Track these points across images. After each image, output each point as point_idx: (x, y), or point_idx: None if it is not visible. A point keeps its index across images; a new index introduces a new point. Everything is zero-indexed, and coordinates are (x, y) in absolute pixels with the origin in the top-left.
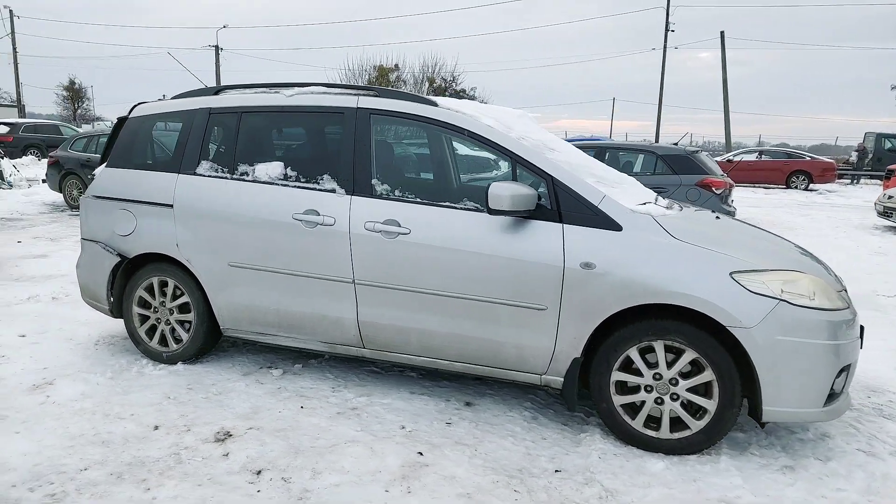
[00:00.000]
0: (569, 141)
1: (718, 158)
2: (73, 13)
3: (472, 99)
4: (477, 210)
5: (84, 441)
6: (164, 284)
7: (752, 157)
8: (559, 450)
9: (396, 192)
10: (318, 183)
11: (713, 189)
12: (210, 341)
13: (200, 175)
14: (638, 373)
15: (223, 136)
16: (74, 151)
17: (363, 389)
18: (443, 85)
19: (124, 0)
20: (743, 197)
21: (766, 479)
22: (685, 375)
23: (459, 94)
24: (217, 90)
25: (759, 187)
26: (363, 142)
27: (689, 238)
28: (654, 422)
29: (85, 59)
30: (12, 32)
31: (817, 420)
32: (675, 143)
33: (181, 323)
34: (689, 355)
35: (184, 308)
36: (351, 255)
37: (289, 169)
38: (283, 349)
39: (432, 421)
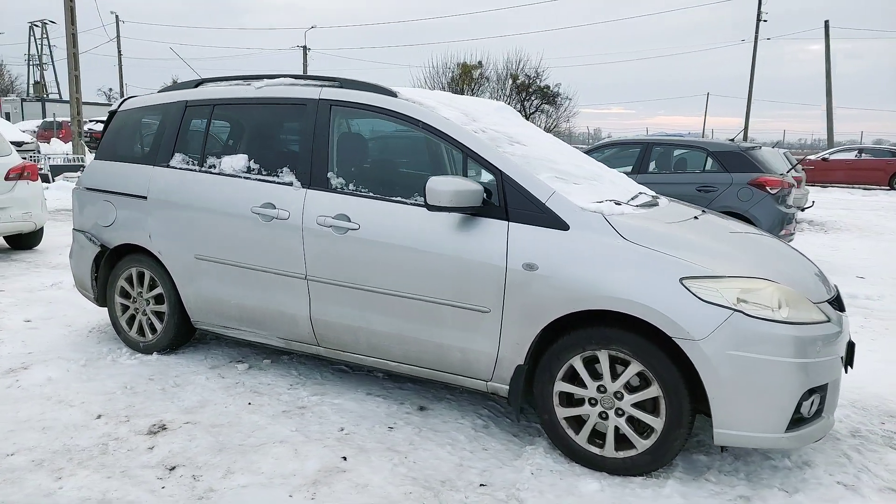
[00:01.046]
0: (652, 137)
1: (813, 157)
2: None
3: (556, 96)
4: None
5: (27, 426)
6: (141, 275)
7: (851, 156)
8: (495, 462)
9: (351, 186)
10: (279, 176)
11: (767, 188)
12: (183, 333)
13: (173, 167)
14: (583, 384)
15: (196, 128)
16: None
17: (320, 388)
18: (526, 81)
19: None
20: (836, 198)
21: None
22: (631, 389)
23: (543, 91)
24: (197, 83)
25: (858, 188)
26: (322, 134)
27: (641, 239)
28: (600, 438)
29: (190, 60)
30: (118, 36)
31: (779, 447)
32: (731, 139)
33: (157, 314)
34: (634, 367)
35: (159, 299)
36: (303, 250)
37: (252, 161)
38: (260, 344)
39: (375, 424)
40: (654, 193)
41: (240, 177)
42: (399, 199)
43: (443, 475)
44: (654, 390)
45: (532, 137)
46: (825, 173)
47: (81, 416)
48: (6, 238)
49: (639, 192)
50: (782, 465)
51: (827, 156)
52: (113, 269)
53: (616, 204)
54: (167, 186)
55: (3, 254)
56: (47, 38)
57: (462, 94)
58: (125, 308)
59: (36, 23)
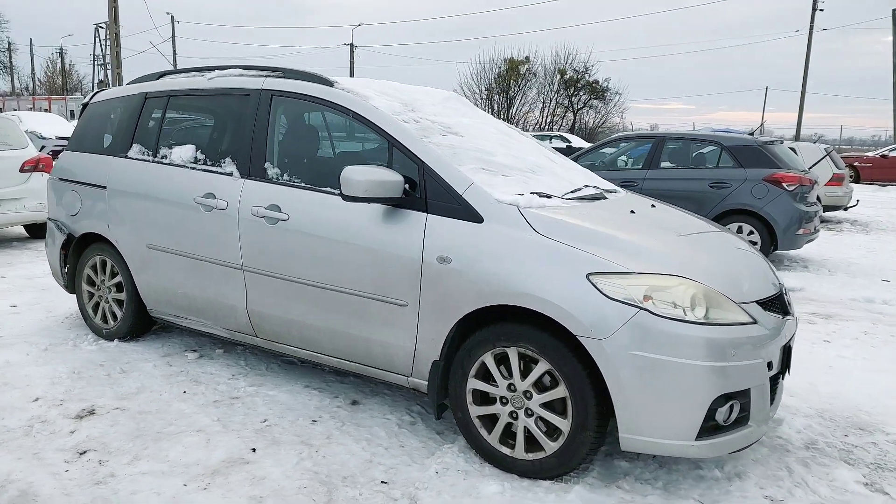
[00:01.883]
0: (665, 132)
1: (871, 153)
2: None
3: (605, 91)
4: None
5: None
6: (104, 263)
7: None
8: (405, 460)
9: (285, 177)
10: (221, 166)
11: (784, 185)
12: (141, 321)
13: (130, 158)
14: (495, 382)
15: (152, 119)
16: None
17: (260, 379)
18: (574, 77)
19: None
20: (893, 197)
21: None
22: (541, 389)
23: (592, 86)
24: (160, 75)
25: None
26: (262, 124)
27: (553, 233)
28: (512, 438)
29: (240, 59)
30: (173, 36)
31: (688, 455)
32: (751, 133)
33: (117, 301)
34: (542, 366)
35: (119, 287)
36: (239, 240)
37: (199, 152)
38: (210, 334)
39: (300, 417)
40: (612, 187)
41: (187, 167)
42: (328, 189)
43: (348, 471)
44: (561, 391)
45: (474, 128)
46: (884, 171)
47: (20, 398)
48: (27, 227)
49: (585, 185)
50: (710, 475)
51: (887, 153)
52: (80, 257)
53: (541, 196)
54: (123, 177)
55: (19, 242)
56: (113, 39)
57: (508, 90)
58: (91, 295)
59: (101, 24)
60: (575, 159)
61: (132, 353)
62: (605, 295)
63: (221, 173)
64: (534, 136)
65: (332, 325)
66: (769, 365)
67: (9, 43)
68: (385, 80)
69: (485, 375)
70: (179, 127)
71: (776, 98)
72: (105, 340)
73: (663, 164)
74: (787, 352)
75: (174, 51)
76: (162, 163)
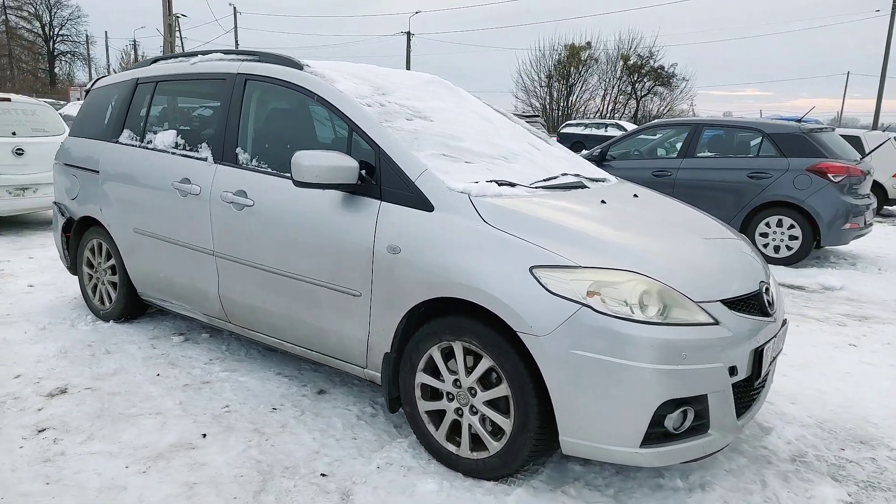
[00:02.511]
0: (704, 118)
1: None
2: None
3: (671, 77)
4: None
5: None
6: (100, 246)
7: None
8: (353, 453)
9: (254, 162)
10: (198, 151)
11: (829, 176)
12: (132, 303)
13: (120, 143)
14: (442, 377)
15: (141, 104)
16: None
17: (235, 365)
18: (638, 62)
19: None
20: None
21: None
22: (486, 386)
23: (657, 72)
24: (153, 60)
25: None
26: (236, 108)
27: (502, 223)
28: (459, 435)
29: (299, 49)
30: (235, 28)
31: (633, 463)
32: (799, 120)
33: (112, 284)
34: (485, 362)
35: (114, 270)
36: (210, 225)
37: (180, 137)
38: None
39: (261, 405)
40: (602, 176)
41: (168, 152)
42: (289, 174)
43: (292, 461)
44: (503, 389)
45: (449, 112)
46: None
47: (2, 375)
48: None
49: (563, 173)
50: (670, 484)
51: None
52: (80, 239)
53: (502, 185)
54: (113, 161)
55: None
56: (180, 30)
57: (569, 77)
58: (90, 277)
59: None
60: (608, 147)
61: (122, 335)
62: (547, 290)
63: (198, 158)
64: (591, 124)
65: (292, 314)
66: (732, 370)
67: (87, 36)
68: (365, 65)
69: (433, 370)
70: (164, 112)
71: (859, 84)
72: (102, 321)
73: (700, 153)
74: (758, 355)
75: (236, 42)
76: (147, 148)
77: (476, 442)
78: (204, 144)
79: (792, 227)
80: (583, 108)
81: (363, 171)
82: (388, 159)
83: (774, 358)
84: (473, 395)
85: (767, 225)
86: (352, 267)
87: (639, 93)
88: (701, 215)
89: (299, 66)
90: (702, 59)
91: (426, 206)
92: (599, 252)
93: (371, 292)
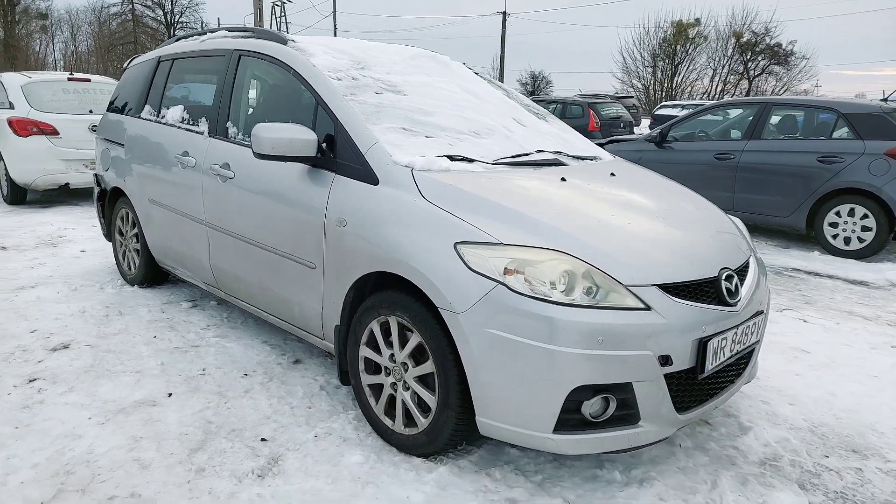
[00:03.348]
0: (773, 97)
1: None
2: None
3: (789, 55)
4: None
5: None
6: (127, 215)
7: None
8: (301, 420)
9: (240, 136)
10: (198, 125)
11: None
12: (152, 270)
13: (141, 118)
14: (381, 351)
15: (159, 81)
16: None
17: (229, 331)
18: (752, 39)
19: None
20: None
21: None
22: (417, 362)
23: (773, 49)
24: (176, 39)
25: None
26: (229, 84)
27: (438, 198)
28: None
29: (405, 31)
30: (334, 11)
31: (547, 449)
32: (884, 100)
33: (136, 251)
34: (415, 338)
35: (138, 237)
36: (202, 197)
37: (185, 112)
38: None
39: (235, 370)
40: (593, 154)
41: (176, 126)
42: None
43: (241, 425)
44: (429, 365)
45: (428, 86)
46: None
47: (22, 328)
48: None
49: (539, 150)
50: (607, 476)
51: None
52: (113, 208)
53: (455, 160)
54: (134, 135)
55: None
56: (285, 15)
57: (674, 56)
58: (121, 244)
59: (277, 2)
60: (669, 128)
61: (140, 299)
62: (468, 266)
63: (196, 132)
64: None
65: (263, 283)
66: (664, 359)
67: (202, 23)
68: (358, 40)
69: (374, 344)
70: (177, 88)
71: None
72: (128, 286)
73: (768, 135)
74: (702, 346)
75: (335, 25)
76: (160, 122)
77: (409, 417)
78: (203, 119)
79: (865, 216)
80: (689, 88)
81: (324, 145)
82: (343, 132)
83: (745, 352)
84: (406, 371)
85: (838, 214)
86: (308, 239)
87: (752, 72)
88: (681, 196)
89: (283, 41)
90: (832, 35)
91: (372, 179)
92: (528, 230)
93: (323, 264)
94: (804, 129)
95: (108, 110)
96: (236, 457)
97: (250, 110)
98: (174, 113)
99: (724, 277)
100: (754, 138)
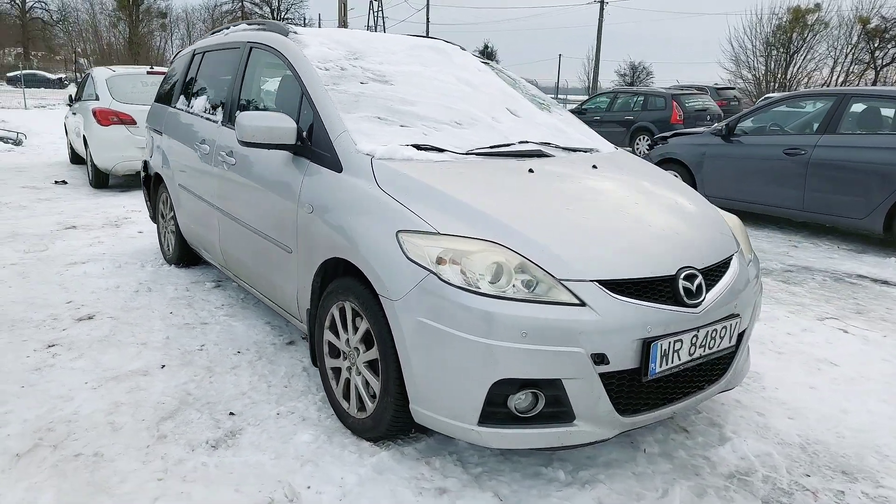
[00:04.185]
0: (851, 88)
1: None
2: None
3: None
4: None
5: (30, 294)
6: (167, 199)
7: None
8: (272, 399)
9: None
10: (215, 114)
11: None
12: (185, 251)
13: (175, 108)
14: (339, 336)
15: (192, 72)
16: None
17: (240, 311)
18: (882, 26)
19: None
20: None
21: (375, 491)
22: (367, 348)
23: None
24: (213, 32)
25: None
26: (240, 74)
27: (391, 187)
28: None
29: (497, 22)
30: (427, 5)
31: (472, 441)
32: None
33: (173, 232)
34: (364, 324)
35: (175, 219)
36: (214, 182)
37: (208, 102)
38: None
39: (231, 347)
40: (589, 146)
41: (199, 115)
42: None
43: (216, 398)
44: (375, 351)
45: (420, 76)
46: None
47: (60, 299)
48: None
49: (522, 140)
50: (549, 475)
51: None
52: (156, 192)
53: (422, 149)
54: (169, 123)
55: None
56: (382, 10)
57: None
58: (162, 226)
59: None
60: (737, 121)
61: (172, 277)
62: (405, 254)
63: (213, 121)
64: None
65: (257, 266)
66: (599, 358)
67: (304, 19)
68: (364, 32)
69: (336, 328)
70: (204, 78)
71: None
72: (167, 265)
73: (844, 129)
74: (645, 347)
75: (427, 18)
76: (189, 112)
77: (361, 401)
78: (219, 108)
79: None
80: (805, 80)
81: (305, 133)
82: (319, 121)
83: (712, 357)
84: (357, 356)
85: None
86: (287, 224)
87: (879, 62)
88: (664, 192)
89: (285, 33)
90: None
91: (338, 167)
92: (469, 220)
93: (297, 249)
94: (888, 123)
95: (154, 100)
96: (199, 427)
97: (256, 100)
98: (199, 103)
99: (682, 276)
100: (829, 132)
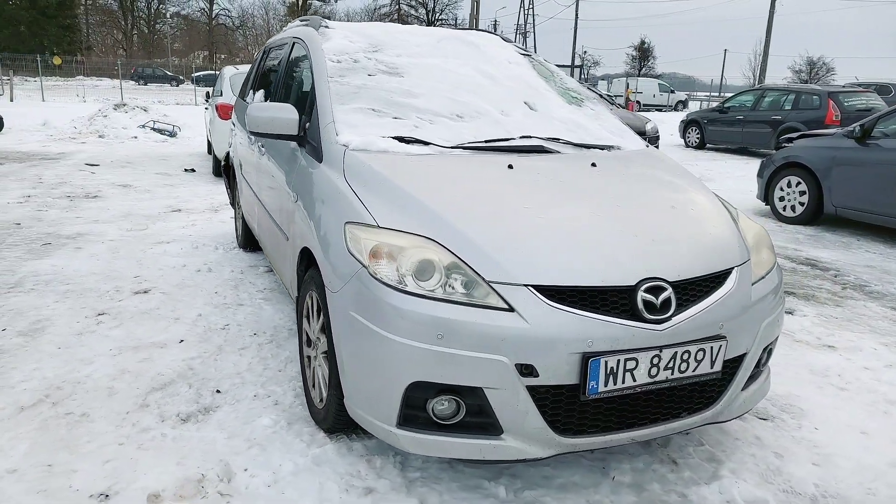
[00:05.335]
0: None
1: None
2: None
3: None
4: None
5: (109, 267)
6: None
7: None
8: (260, 381)
9: None
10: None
11: None
12: (250, 236)
13: (244, 101)
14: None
15: (260, 67)
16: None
17: (276, 296)
18: None
19: None
20: None
21: (305, 482)
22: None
23: None
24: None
25: None
26: (283, 67)
27: (354, 178)
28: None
29: (650, 17)
30: (576, 2)
31: (391, 443)
32: None
33: (241, 218)
34: (323, 315)
35: None
36: (254, 171)
37: (262, 94)
38: None
39: (249, 330)
40: (605, 142)
41: None
42: None
43: (212, 375)
44: (328, 342)
45: (435, 69)
46: None
47: (130, 273)
48: None
49: (525, 135)
50: (488, 489)
51: None
52: (234, 180)
53: (408, 142)
54: (238, 116)
55: None
56: (532, 8)
57: None
58: (237, 212)
59: None
60: (874, 122)
61: (234, 260)
62: (347, 247)
63: None
64: None
65: (272, 252)
66: (525, 368)
67: (456, 20)
68: (398, 25)
69: (310, 317)
70: (266, 73)
71: None
72: (237, 249)
73: None
74: (584, 361)
75: (576, 14)
76: (248, 104)
77: (321, 392)
78: (267, 100)
79: None
80: None
81: (308, 124)
82: (315, 111)
83: (690, 381)
84: (319, 346)
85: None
86: (286, 211)
87: None
88: (667, 195)
89: (316, 27)
90: None
91: (320, 157)
92: (414, 215)
93: (290, 237)
94: None
95: (238, 95)
96: (180, 401)
97: (292, 91)
98: (258, 96)
99: (643, 288)
100: None
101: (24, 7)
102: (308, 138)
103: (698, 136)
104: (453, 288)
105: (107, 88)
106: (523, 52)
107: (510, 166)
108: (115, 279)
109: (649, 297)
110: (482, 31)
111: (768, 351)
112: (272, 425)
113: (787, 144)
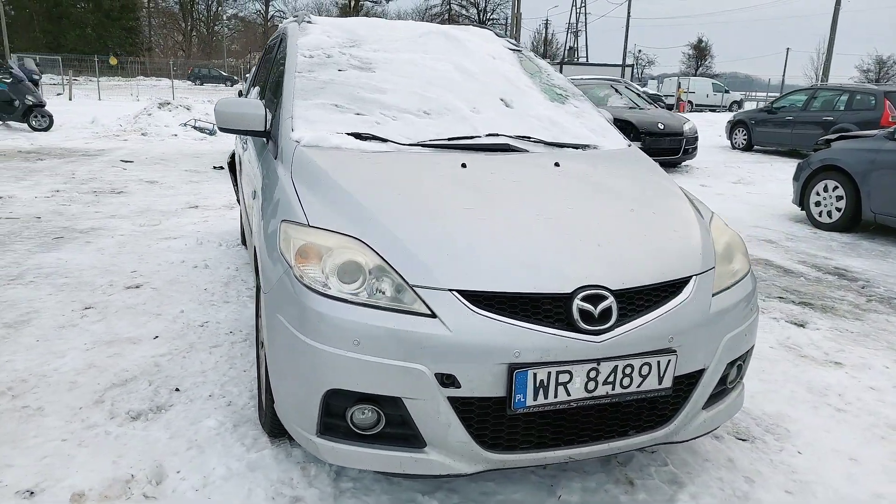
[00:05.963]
0: None
1: None
2: None
3: None
4: None
5: (111, 262)
6: None
7: None
8: (221, 381)
9: None
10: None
11: None
12: None
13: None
14: None
15: (259, 65)
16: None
17: None
18: None
19: None
20: None
21: (233, 488)
22: None
23: None
24: None
25: None
26: (273, 63)
27: (299, 175)
28: None
29: (708, 15)
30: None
31: (312, 451)
32: None
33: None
34: None
35: None
36: (248, 167)
37: (256, 92)
38: None
39: (228, 328)
40: (580, 141)
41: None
42: None
43: (175, 374)
44: None
45: (410, 64)
46: None
47: (128, 268)
48: None
49: (492, 133)
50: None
51: None
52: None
53: (364, 139)
54: None
55: None
56: (585, 6)
57: None
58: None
59: None
60: None
61: (233, 258)
62: (278, 246)
63: None
64: None
65: (249, 248)
66: (446, 378)
67: (506, 20)
68: (381, 20)
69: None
70: (260, 71)
71: None
72: (240, 246)
73: None
74: (511, 371)
75: (628, 13)
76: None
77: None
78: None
79: None
80: None
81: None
82: (279, 107)
83: (637, 398)
84: (262, 349)
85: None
86: (252, 209)
87: None
88: (629, 197)
89: (298, 21)
90: None
91: (277, 154)
92: (346, 214)
93: (254, 234)
94: None
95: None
96: (136, 398)
97: (277, 86)
98: (253, 93)
99: (580, 297)
100: None
101: (90, 10)
102: (272, 134)
103: (745, 137)
104: (379, 291)
105: (164, 88)
106: (514, 47)
107: (464, 165)
108: (112, 274)
109: (587, 306)
110: (482, 26)
111: (737, 367)
112: (217, 427)
113: (824, 147)
